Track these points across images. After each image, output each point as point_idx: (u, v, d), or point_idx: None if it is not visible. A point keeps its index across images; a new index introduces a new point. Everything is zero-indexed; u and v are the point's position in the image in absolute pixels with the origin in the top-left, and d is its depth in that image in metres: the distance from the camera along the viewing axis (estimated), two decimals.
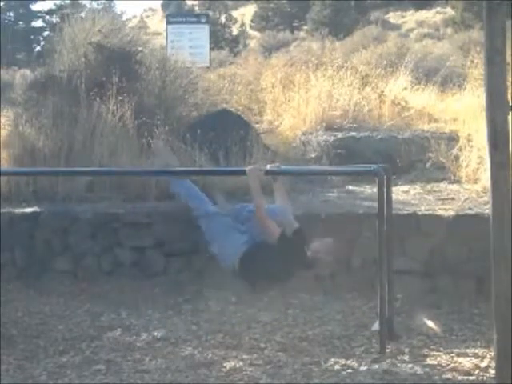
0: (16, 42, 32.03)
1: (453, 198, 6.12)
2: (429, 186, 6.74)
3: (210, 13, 31.34)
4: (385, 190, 4.36)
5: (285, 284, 4.96)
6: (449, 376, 3.99)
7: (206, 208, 4.85)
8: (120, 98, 7.46)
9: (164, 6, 48.05)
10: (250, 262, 4.48)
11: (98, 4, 36.02)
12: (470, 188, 6.46)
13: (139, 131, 7.33)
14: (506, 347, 3.06)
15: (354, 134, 8.07)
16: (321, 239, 4.54)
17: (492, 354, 3.89)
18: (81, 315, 5.32)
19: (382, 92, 9.24)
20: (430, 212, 5.62)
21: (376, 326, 4.47)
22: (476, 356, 4.25)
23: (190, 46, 15.90)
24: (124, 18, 31.63)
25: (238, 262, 4.51)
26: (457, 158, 6.91)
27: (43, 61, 9.29)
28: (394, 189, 5.14)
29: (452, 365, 4.13)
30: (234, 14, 41.59)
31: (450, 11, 31.09)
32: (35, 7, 37.46)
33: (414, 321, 4.88)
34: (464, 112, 8.33)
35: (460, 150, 6.95)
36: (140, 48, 8.70)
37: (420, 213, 5.60)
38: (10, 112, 8.64)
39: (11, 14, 35.07)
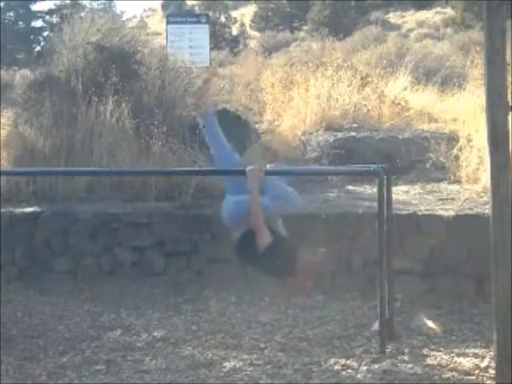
0: (16, 42, 32.00)
1: (453, 198, 6.11)
2: (429, 186, 6.74)
3: (210, 13, 31.40)
4: (385, 189, 4.35)
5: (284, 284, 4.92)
6: (449, 376, 3.99)
7: None
8: (119, 97, 7.46)
9: (164, 6, 48.08)
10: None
11: (97, 4, 36.08)
12: (470, 188, 6.45)
13: (138, 131, 7.34)
14: (506, 347, 3.07)
15: (353, 134, 8.06)
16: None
17: (492, 353, 3.89)
18: (81, 315, 5.32)
19: (382, 92, 9.24)
20: (430, 212, 5.61)
21: (376, 326, 4.47)
22: (476, 356, 4.25)
23: (189, 46, 15.93)
24: (124, 18, 31.69)
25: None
26: (457, 158, 6.91)
27: (43, 61, 9.28)
28: (394, 189, 5.13)
29: (452, 365, 4.13)
30: (234, 14, 41.59)
31: (450, 11, 31.08)
32: (35, 7, 37.32)
33: (414, 321, 4.87)
34: (464, 112, 8.32)
35: (460, 150, 6.94)
36: (139, 48, 8.71)
37: (420, 213, 5.59)
38: (10, 112, 8.64)
39: (11, 14, 35.02)
